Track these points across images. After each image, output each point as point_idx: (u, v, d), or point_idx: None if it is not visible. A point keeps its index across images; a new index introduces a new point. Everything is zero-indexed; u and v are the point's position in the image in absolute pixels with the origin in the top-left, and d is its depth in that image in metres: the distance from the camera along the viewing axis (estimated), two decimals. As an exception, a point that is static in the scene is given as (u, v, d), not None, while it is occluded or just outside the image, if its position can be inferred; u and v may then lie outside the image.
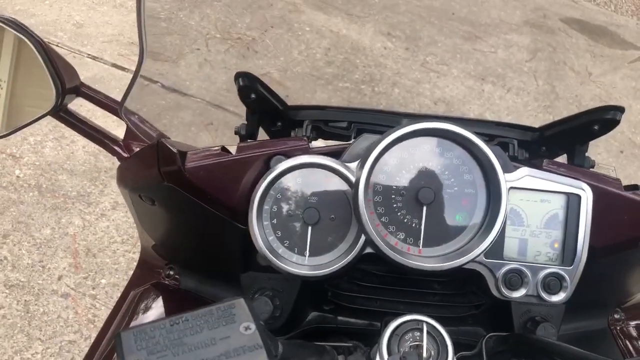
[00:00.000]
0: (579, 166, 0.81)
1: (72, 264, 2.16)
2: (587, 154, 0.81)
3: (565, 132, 0.82)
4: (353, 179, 0.66)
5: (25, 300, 2.01)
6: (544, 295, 0.66)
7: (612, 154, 3.53)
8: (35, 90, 0.71)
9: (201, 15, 3.81)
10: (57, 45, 3.29)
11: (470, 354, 0.69)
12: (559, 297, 0.66)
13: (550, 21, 5.73)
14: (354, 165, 0.67)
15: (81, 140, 2.78)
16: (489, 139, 0.85)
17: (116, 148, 0.77)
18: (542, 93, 4.34)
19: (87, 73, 3.19)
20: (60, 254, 2.19)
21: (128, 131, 0.78)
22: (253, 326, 0.41)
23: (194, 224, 0.74)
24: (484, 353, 0.69)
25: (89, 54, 3.31)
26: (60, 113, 0.74)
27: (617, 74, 4.71)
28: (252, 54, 3.61)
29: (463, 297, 0.75)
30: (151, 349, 0.39)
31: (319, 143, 0.89)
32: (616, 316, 0.82)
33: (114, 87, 3.11)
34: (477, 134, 0.83)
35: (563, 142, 0.84)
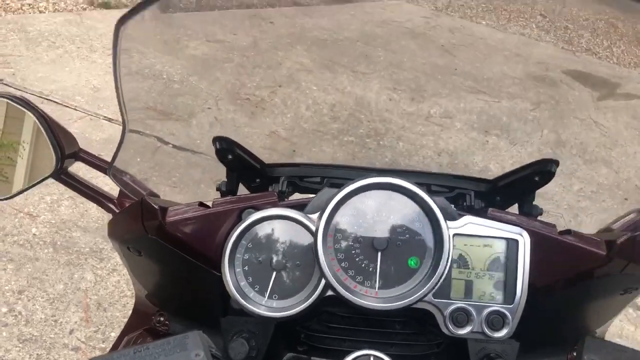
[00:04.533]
0: (527, 214, 0.88)
1: (83, 318, 2.23)
2: (535, 202, 0.88)
3: (513, 183, 0.90)
4: (314, 228, 0.74)
5: (37, 354, 2.08)
6: (488, 331, 0.72)
7: (616, 200, 3.56)
8: (39, 156, 0.81)
9: (212, 78, 4.00)
10: (74, 109, 3.47)
11: None
12: (502, 333, 0.72)
13: (552, 73, 5.87)
14: (315, 216, 0.75)
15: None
16: (449, 190, 0.93)
17: (110, 205, 0.87)
18: (546, 143, 4.42)
19: (102, 134, 3.35)
20: (72, 309, 2.26)
21: (121, 190, 0.87)
22: (202, 353, 0.48)
23: (177, 272, 0.82)
24: None
25: (105, 116, 3.48)
26: (61, 176, 0.84)
27: (621, 123, 4.78)
28: (260, 112, 3.76)
29: (424, 336, 0.81)
30: None
31: (295, 196, 0.97)
32: (574, 354, 0.87)
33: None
34: (437, 185, 0.91)
35: (513, 192, 0.91)
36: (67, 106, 3.48)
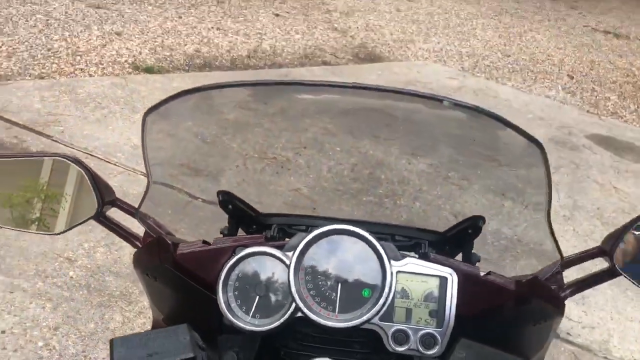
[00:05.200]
0: (467, 260, 1.08)
1: (109, 355, 2.44)
2: (474, 251, 1.08)
3: (454, 235, 1.10)
4: (288, 263, 0.95)
5: (67, 386, 2.29)
6: (421, 349, 0.91)
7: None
8: (82, 202, 1.05)
9: (242, 138, 4.30)
10: (115, 164, 3.79)
11: None
12: (433, 351, 0.91)
13: (574, 138, 6.01)
14: (290, 254, 0.96)
15: (127, 248, 3.18)
16: (409, 239, 1.14)
17: (136, 242, 1.09)
18: (563, 206, 4.54)
19: (138, 188, 3.64)
20: (101, 346, 2.48)
21: (146, 230, 1.10)
22: (188, 338, 0.70)
23: (184, 296, 1.03)
24: None
25: (142, 172, 3.78)
26: (100, 218, 1.08)
27: (641, 188, 4.87)
28: (285, 171, 4.03)
29: (377, 355, 1.00)
30: (127, 346, 0.68)
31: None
32: None
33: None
34: (400, 235, 1.12)
35: (457, 242, 1.11)
36: (109, 162, 3.81)
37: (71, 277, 2.83)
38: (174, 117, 1.13)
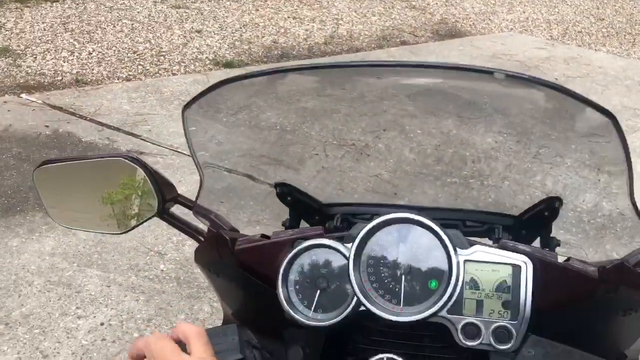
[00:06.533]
0: (545, 245, 0.98)
1: (199, 345, 2.51)
2: (553, 235, 0.98)
3: (530, 218, 1.01)
4: (348, 255, 0.91)
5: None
6: (494, 343, 0.84)
7: None
8: (146, 200, 1.05)
9: (321, 125, 4.29)
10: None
11: None
12: (507, 345, 0.83)
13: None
14: (349, 245, 0.92)
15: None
16: (481, 225, 1.06)
17: (200, 237, 1.09)
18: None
19: (222, 183, 3.72)
20: (191, 336, 2.56)
21: (209, 226, 1.09)
22: (237, 338, 0.67)
23: (247, 292, 1.01)
24: None
25: (226, 168, 3.86)
26: (164, 215, 1.08)
27: None
28: (364, 157, 3.97)
29: (451, 350, 0.94)
30: None
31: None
32: None
33: (249, 206, 3.58)
34: (471, 221, 1.05)
35: (534, 226, 1.02)
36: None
37: (162, 271, 2.94)
38: (213, 107, 1.11)
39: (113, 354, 2.47)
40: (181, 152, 3.94)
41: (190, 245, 3.10)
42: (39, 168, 1.04)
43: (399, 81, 1.27)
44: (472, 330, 0.85)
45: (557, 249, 0.97)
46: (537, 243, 1.06)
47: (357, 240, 0.90)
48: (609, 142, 0.89)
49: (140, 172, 1.03)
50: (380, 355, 0.82)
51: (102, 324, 2.61)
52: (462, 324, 0.86)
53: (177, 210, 1.15)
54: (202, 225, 1.14)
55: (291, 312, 0.91)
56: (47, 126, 4.21)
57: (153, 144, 4.05)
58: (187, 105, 1.05)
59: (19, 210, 3.33)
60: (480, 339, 0.85)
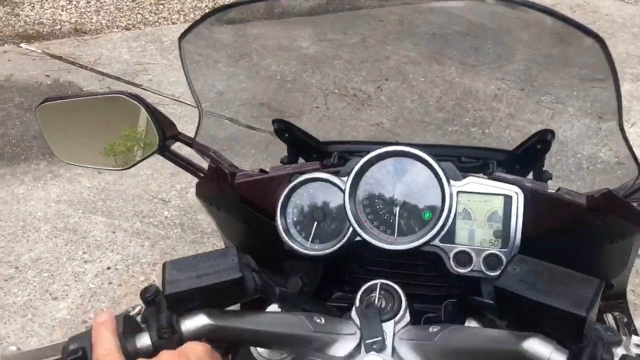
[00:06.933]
0: (538, 178, 1.00)
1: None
2: (545, 168, 1.00)
3: (524, 152, 1.03)
4: (344, 188, 0.94)
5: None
6: (485, 270, 0.87)
7: None
8: (148, 138, 1.08)
9: (322, 74, 4.26)
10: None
11: (433, 315, 0.92)
12: (497, 272, 0.87)
13: (688, 51, 5.43)
14: (345, 179, 0.94)
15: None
16: (476, 161, 1.08)
17: (200, 175, 1.12)
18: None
19: (224, 133, 3.73)
20: (196, 280, 2.63)
21: (209, 163, 1.12)
22: (236, 259, 0.71)
23: (247, 225, 1.05)
24: (442, 314, 0.91)
25: (227, 117, 3.86)
26: (165, 152, 1.10)
27: None
28: (366, 107, 3.96)
29: (443, 278, 0.97)
30: (178, 269, 0.70)
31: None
32: None
33: (247, 144, 3.60)
34: (466, 157, 1.07)
35: (527, 160, 1.04)
36: (194, 107, 3.92)
37: (166, 217, 2.99)
38: (210, 38, 1.11)
39: (120, 296, 2.54)
40: (182, 102, 3.94)
41: (193, 193, 3.14)
42: (41, 105, 1.06)
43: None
44: (463, 258, 0.88)
45: (549, 183, 0.99)
46: (530, 177, 1.08)
47: (352, 174, 0.92)
48: (598, 68, 0.89)
49: (142, 110, 1.05)
50: (375, 281, 0.86)
51: (108, 268, 2.67)
52: (454, 252, 0.89)
53: (178, 148, 1.17)
54: (202, 164, 1.17)
55: (290, 242, 0.95)
56: (47, 76, 4.19)
57: (154, 93, 4.04)
58: (183, 35, 1.05)
59: (23, 159, 3.36)
60: (472, 266, 0.88)
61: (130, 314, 0.75)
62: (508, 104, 4.01)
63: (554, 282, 0.64)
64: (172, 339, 0.68)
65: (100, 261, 2.70)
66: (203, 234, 2.89)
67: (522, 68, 4.24)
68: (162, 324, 0.68)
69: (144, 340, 0.69)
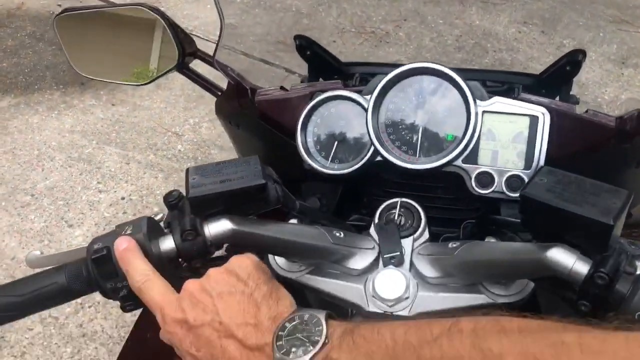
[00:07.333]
0: (565, 101, 0.98)
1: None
2: (572, 92, 0.98)
3: (552, 74, 1.00)
4: (366, 106, 0.92)
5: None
6: (507, 191, 0.86)
7: None
8: (166, 53, 1.06)
9: (339, 10, 4.17)
10: (215, 42, 3.84)
11: (452, 235, 0.92)
12: (519, 194, 0.86)
13: None
14: (368, 97, 0.92)
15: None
16: (501, 85, 1.05)
17: (219, 93, 1.10)
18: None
19: (239, 65, 3.69)
20: (209, 212, 2.65)
21: (228, 82, 1.10)
22: (259, 167, 0.70)
23: (266, 143, 1.03)
24: (461, 234, 0.91)
25: (241, 51, 3.81)
26: (183, 69, 1.09)
27: None
28: (384, 45, 3.88)
29: (462, 201, 0.97)
30: (202, 174, 0.70)
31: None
32: None
33: (259, 78, 3.57)
34: (491, 81, 1.04)
35: (554, 83, 1.01)
36: (209, 40, 3.85)
37: (179, 150, 2.99)
38: None
39: (134, 225, 2.58)
40: (196, 35, 3.87)
41: (207, 128, 3.13)
42: (59, 16, 1.03)
43: None
44: (485, 179, 0.87)
45: (576, 107, 0.97)
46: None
47: (376, 91, 0.90)
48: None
49: (161, 24, 1.03)
50: (395, 199, 0.85)
51: (122, 198, 2.70)
52: (476, 172, 0.88)
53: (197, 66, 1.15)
54: (221, 84, 1.15)
55: (309, 161, 0.94)
56: (59, 5, 4.12)
57: (168, 26, 3.97)
58: None
59: (37, 89, 3.35)
60: (493, 187, 0.87)
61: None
62: (529, 45, 3.91)
63: (581, 191, 0.63)
64: (196, 241, 0.68)
65: (115, 191, 2.73)
66: (216, 168, 2.89)
67: (546, 7, 4.12)
68: (186, 226, 0.69)
69: (168, 243, 0.69)
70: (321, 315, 0.58)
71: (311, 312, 0.59)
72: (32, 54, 3.62)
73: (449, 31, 4.18)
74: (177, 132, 3.10)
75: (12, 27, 3.86)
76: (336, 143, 0.94)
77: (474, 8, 4.48)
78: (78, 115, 3.17)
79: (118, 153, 2.94)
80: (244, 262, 0.65)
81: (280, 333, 0.57)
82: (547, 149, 0.85)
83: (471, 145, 0.87)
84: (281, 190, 0.75)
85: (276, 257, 0.84)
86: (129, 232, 0.69)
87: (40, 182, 2.76)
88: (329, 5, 4.16)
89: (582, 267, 0.60)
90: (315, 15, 4.06)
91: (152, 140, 3.04)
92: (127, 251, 0.66)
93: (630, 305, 0.56)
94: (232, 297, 0.61)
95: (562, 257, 0.61)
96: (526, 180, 0.86)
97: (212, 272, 0.65)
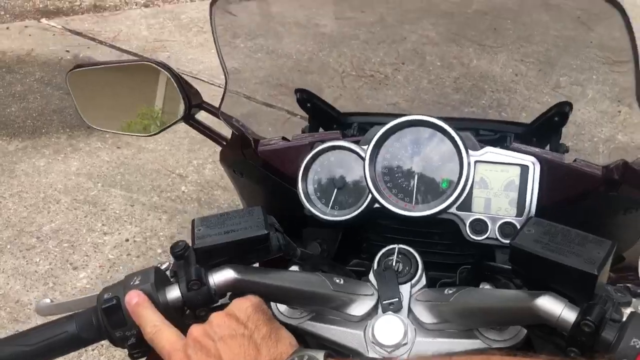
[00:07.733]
0: (554, 150, 1.02)
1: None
2: (562, 142, 1.02)
3: (542, 124, 1.04)
4: (364, 155, 0.96)
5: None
6: (500, 238, 0.90)
7: None
8: (173, 105, 1.11)
9: (339, 53, 4.26)
10: (219, 86, 3.92)
11: (449, 280, 0.95)
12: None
13: None
14: (366, 147, 0.97)
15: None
16: (494, 134, 1.10)
17: (223, 142, 1.15)
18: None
19: (242, 109, 3.76)
20: (212, 253, 2.68)
21: (232, 132, 1.15)
22: (262, 216, 0.74)
23: (269, 191, 1.08)
24: (457, 279, 0.94)
25: (245, 94, 3.89)
26: (190, 121, 1.14)
27: None
28: (383, 87, 3.96)
29: (458, 247, 1.00)
30: (207, 225, 0.74)
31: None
32: None
33: (264, 121, 3.63)
34: (484, 129, 1.09)
35: (544, 133, 1.05)
36: (213, 84, 3.94)
37: (183, 192, 3.03)
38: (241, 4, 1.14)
39: (138, 268, 2.60)
40: (200, 79, 3.96)
41: (210, 169, 3.18)
42: (72, 71, 1.09)
43: None
44: (479, 226, 0.91)
45: (565, 155, 1.01)
46: (547, 150, 1.10)
47: (373, 142, 0.94)
48: (616, 36, 0.91)
49: (168, 79, 1.08)
50: (393, 245, 0.88)
51: (127, 240, 2.73)
52: (470, 219, 0.91)
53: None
54: (225, 132, 1.20)
55: (310, 207, 0.97)
56: (67, 51, 4.24)
57: (172, 70, 4.07)
58: (214, 1, 1.08)
59: (44, 132, 3.42)
60: (487, 234, 0.90)
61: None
62: (526, 87, 3.99)
63: (567, 242, 0.66)
64: (201, 291, 0.71)
65: (119, 233, 2.76)
66: (219, 209, 2.93)
67: (541, 50, 4.21)
68: (191, 276, 0.72)
69: (174, 293, 0.72)
70: (320, 356, 0.61)
71: (310, 353, 0.61)
72: (40, 98, 3.71)
73: (447, 73, 4.27)
74: (181, 174, 3.15)
75: (21, 73, 3.96)
76: (336, 190, 0.98)
77: (472, 49, 4.59)
78: (84, 158, 3.22)
79: (123, 195, 2.98)
80: (243, 305, 0.68)
81: None
82: (538, 196, 0.89)
83: (465, 194, 0.91)
84: (283, 238, 0.79)
85: (278, 304, 0.87)
86: (137, 282, 0.72)
87: (45, 224, 2.79)
88: (330, 50, 4.26)
89: (569, 315, 0.62)
90: (316, 59, 4.15)
91: (156, 182, 3.08)
92: (137, 306, 0.69)
93: (615, 352, 0.59)
94: (234, 340, 0.64)
95: (551, 305, 0.64)
96: (518, 227, 0.89)
97: (214, 316, 0.68)
